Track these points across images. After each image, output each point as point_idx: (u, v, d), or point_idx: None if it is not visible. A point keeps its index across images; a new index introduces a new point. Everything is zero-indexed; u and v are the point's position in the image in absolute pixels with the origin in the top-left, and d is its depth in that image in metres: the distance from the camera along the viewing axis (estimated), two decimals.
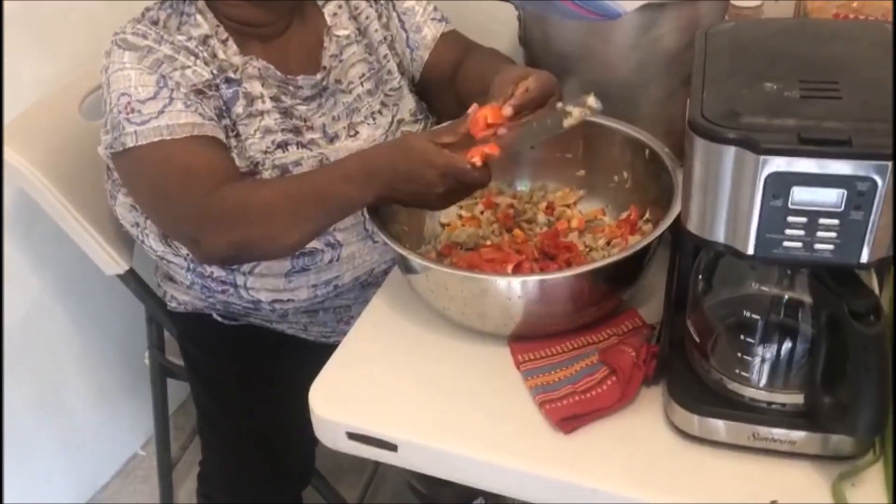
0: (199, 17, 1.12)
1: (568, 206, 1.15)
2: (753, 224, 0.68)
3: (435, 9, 1.28)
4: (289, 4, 1.17)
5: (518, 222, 1.12)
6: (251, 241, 1.02)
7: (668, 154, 1.02)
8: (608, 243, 1.06)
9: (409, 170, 0.94)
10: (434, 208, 1.01)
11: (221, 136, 1.09)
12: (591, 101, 0.93)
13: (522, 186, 1.18)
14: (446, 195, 0.96)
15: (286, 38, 1.18)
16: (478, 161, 0.93)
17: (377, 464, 1.65)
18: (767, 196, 0.66)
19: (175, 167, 1.05)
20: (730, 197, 0.68)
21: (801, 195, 0.65)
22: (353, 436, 0.90)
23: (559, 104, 0.96)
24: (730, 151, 0.66)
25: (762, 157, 0.65)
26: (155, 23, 1.11)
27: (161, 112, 1.05)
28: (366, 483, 1.68)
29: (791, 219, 0.66)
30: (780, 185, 0.65)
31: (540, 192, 1.17)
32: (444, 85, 1.25)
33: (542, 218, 1.13)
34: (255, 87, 1.13)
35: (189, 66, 1.08)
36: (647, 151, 1.05)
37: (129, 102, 1.05)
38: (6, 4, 1.41)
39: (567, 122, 0.94)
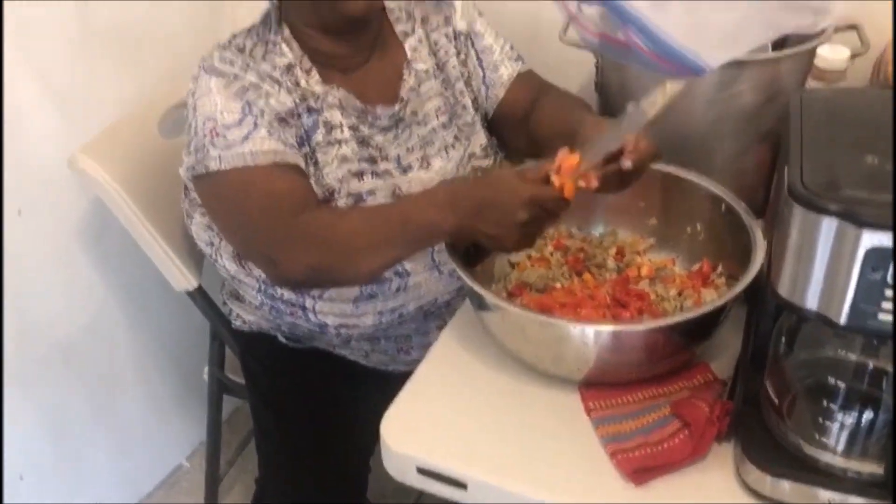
0: (284, 46, 1.15)
1: (638, 252, 1.16)
2: (849, 295, 0.68)
3: (512, 48, 1.30)
4: (370, 39, 1.20)
5: (587, 266, 1.14)
6: (330, 265, 1.05)
7: (746, 210, 1.03)
8: (680, 294, 1.07)
9: (493, 196, 0.97)
10: (511, 244, 0.99)
11: (301, 163, 1.12)
12: (668, 86, 0.93)
13: (593, 230, 1.19)
14: (528, 225, 0.96)
15: (367, 70, 1.21)
16: (567, 189, 0.95)
17: (420, 493, 1.66)
18: (866, 269, 0.67)
19: (257, 191, 1.08)
20: (826, 267, 0.69)
21: None
22: (422, 471, 0.91)
23: (630, 103, 0.96)
24: (830, 222, 0.67)
25: (863, 231, 0.65)
26: (241, 50, 1.14)
27: (245, 138, 1.08)
28: None
29: (888, 292, 0.67)
30: (880, 258, 0.66)
31: (610, 237, 1.18)
32: (517, 122, 1.27)
33: (611, 263, 1.14)
34: (335, 117, 1.16)
35: (273, 95, 1.11)
36: (723, 205, 1.06)
37: (214, 127, 1.09)
38: (95, 22, 1.46)
39: (651, 112, 0.94)
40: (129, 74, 1.54)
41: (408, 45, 1.23)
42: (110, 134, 1.39)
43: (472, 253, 1.04)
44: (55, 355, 1.52)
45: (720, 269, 1.08)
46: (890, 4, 1.23)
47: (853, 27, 1.18)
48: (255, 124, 1.08)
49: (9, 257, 1.39)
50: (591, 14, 1.19)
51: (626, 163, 0.96)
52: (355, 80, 1.19)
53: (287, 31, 1.16)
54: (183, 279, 1.38)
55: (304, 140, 1.14)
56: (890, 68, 1.11)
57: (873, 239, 0.66)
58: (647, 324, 0.91)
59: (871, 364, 0.79)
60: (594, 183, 0.96)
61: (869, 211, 0.66)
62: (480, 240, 1.01)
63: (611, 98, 1.27)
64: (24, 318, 1.44)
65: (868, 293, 0.68)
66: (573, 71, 1.40)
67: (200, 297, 1.40)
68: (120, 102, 1.51)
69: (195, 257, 1.40)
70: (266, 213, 1.07)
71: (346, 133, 1.16)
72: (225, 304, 1.38)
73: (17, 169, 1.37)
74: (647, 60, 1.10)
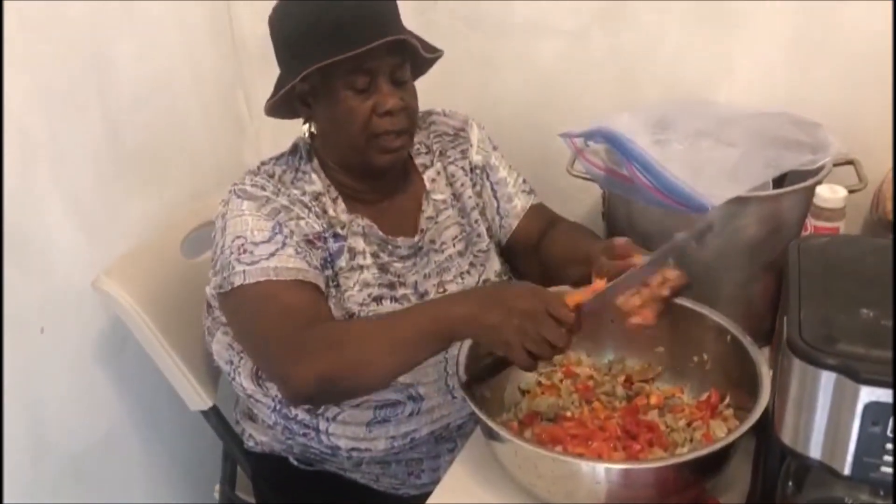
0: (313, 175, 1.20)
1: (646, 381, 1.18)
2: (851, 447, 0.70)
3: (525, 181, 1.36)
4: (393, 179, 1.25)
5: (597, 394, 1.15)
6: (341, 371, 1.02)
7: (751, 342, 1.05)
8: (689, 425, 1.08)
9: (501, 286, 1.05)
10: (508, 336, 0.94)
11: (322, 285, 1.15)
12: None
13: (602, 357, 1.22)
14: (527, 318, 0.94)
15: (389, 202, 1.25)
16: (571, 298, 0.97)
17: None
18: (866, 422, 0.68)
19: (276, 304, 1.09)
20: (828, 418, 0.71)
21: None
22: None
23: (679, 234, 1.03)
24: (829, 376, 0.70)
25: (861, 387, 0.68)
26: (271, 176, 1.19)
27: (272, 255, 1.10)
28: None
29: (890, 446, 0.69)
30: (879, 413, 0.68)
31: (618, 364, 1.20)
32: (529, 251, 1.32)
33: (620, 391, 1.16)
34: (359, 244, 1.20)
35: (303, 218, 1.15)
36: (728, 337, 1.08)
37: (242, 244, 1.12)
38: (123, 147, 1.53)
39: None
40: (153, 196, 1.61)
41: (426, 176, 1.29)
42: (134, 255, 1.44)
43: (483, 369, 1.04)
44: (68, 471, 1.52)
45: (728, 399, 1.09)
46: (887, 140, 1.29)
47: (850, 163, 1.23)
48: (284, 243, 1.12)
49: (28, 374, 1.41)
50: (597, 149, 1.26)
51: (664, 291, 1.01)
52: (378, 212, 1.23)
53: (316, 163, 1.22)
54: (198, 398, 1.41)
55: (327, 263, 1.17)
56: (889, 205, 1.15)
57: (871, 394, 0.68)
58: (657, 461, 0.92)
59: None
60: (651, 319, 1.01)
61: (866, 367, 0.68)
62: (482, 335, 0.98)
63: (618, 227, 1.31)
64: (40, 434, 1.45)
65: (869, 446, 0.69)
66: (581, 200, 1.46)
67: (214, 416, 1.42)
68: (144, 223, 1.56)
69: (211, 377, 1.42)
70: (279, 325, 1.08)
71: (368, 259, 1.20)
72: (238, 423, 1.40)
73: (42, 288, 1.42)
74: (650, 196, 1.15)
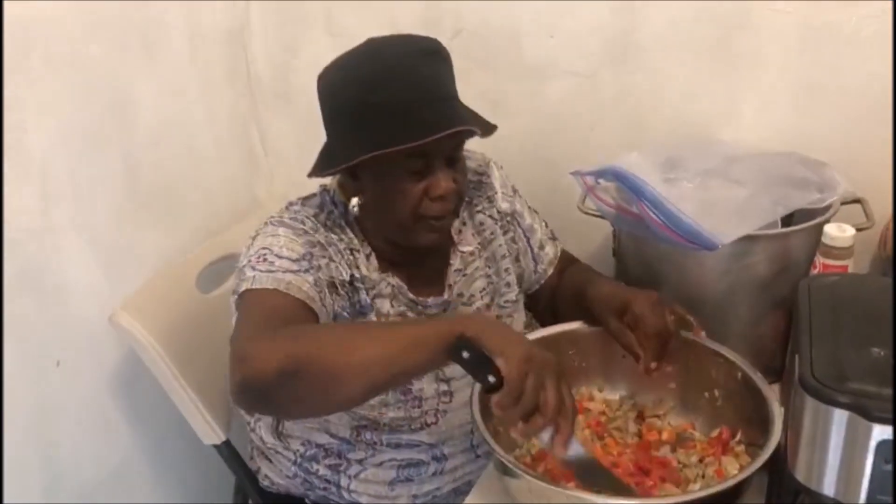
0: (349, 230, 1.17)
1: (658, 416, 1.18)
2: (864, 485, 0.71)
3: (547, 226, 1.37)
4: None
5: (609, 430, 1.16)
6: (311, 354, 0.90)
7: (762, 379, 1.06)
8: (701, 461, 1.09)
9: (514, 332, 0.97)
10: (522, 353, 0.88)
11: (325, 320, 1.11)
12: None
13: (613, 393, 1.22)
14: (543, 363, 0.88)
15: (420, 263, 1.22)
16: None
17: None
18: (879, 460, 0.69)
19: (268, 307, 1.03)
20: (841, 456, 0.72)
21: None
22: None
23: None
24: (841, 414, 0.71)
25: (874, 425, 0.69)
26: (308, 215, 1.16)
27: (291, 272, 1.05)
28: None
29: None
30: (891, 451, 0.69)
31: (630, 400, 1.21)
32: (550, 297, 1.34)
33: (632, 427, 1.16)
34: (384, 306, 1.17)
35: (334, 262, 1.12)
36: (739, 374, 1.09)
37: (265, 254, 1.07)
38: (140, 183, 1.56)
39: None
40: (169, 232, 1.63)
41: (452, 228, 1.25)
42: (149, 289, 1.45)
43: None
44: (80, 502, 1.53)
45: (739, 435, 1.10)
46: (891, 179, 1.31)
47: (857, 201, 1.25)
48: (308, 270, 1.08)
49: (43, 406, 1.43)
50: (608, 187, 1.28)
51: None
52: (409, 271, 1.21)
53: (351, 218, 1.18)
54: (211, 433, 1.41)
55: (347, 312, 1.14)
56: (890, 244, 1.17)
57: (883, 432, 0.69)
58: (670, 498, 0.93)
59: None
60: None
61: (878, 405, 0.69)
62: (499, 342, 0.89)
63: (628, 264, 1.32)
64: (52, 465, 1.46)
65: (883, 484, 0.70)
66: (591, 237, 1.48)
67: (228, 451, 1.43)
68: (160, 258, 1.58)
69: (224, 412, 1.43)
70: (260, 321, 1.01)
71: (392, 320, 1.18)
72: (253, 458, 1.40)
73: (59, 321, 1.43)
74: (661, 234, 1.17)
